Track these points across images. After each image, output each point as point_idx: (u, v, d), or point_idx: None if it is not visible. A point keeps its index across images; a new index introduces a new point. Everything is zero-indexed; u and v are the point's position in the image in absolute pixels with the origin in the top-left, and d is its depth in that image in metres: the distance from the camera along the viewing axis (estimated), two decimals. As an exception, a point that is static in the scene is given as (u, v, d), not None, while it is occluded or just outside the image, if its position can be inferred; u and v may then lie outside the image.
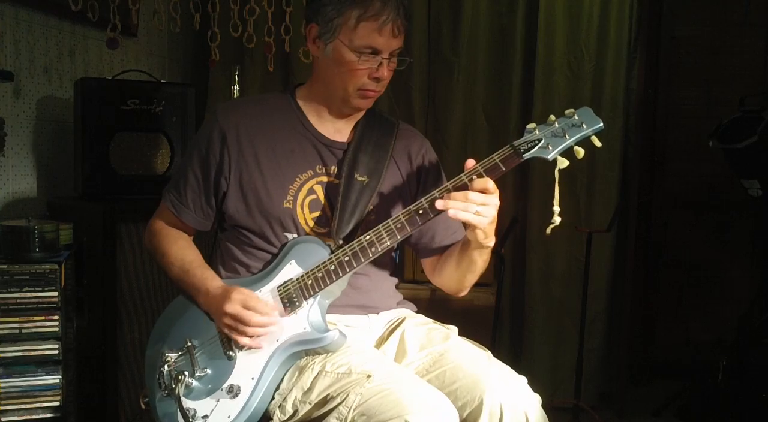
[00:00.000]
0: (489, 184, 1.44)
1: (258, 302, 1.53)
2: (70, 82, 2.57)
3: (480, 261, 1.62)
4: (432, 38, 3.25)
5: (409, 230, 1.52)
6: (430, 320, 1.77)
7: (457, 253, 1.67)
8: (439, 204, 1.44)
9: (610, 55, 3.10)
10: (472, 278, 1.68)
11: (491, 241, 1.54)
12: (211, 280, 1.62)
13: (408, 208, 1.52)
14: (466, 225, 1.50)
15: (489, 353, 1.62)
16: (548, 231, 1.50)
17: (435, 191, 1.50)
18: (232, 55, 3.17)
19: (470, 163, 1.48)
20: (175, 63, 3.35)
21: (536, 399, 1.54)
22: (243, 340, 1.54)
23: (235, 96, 2.75)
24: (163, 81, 2.61)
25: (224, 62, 2.99)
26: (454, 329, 1.72)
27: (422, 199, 1.51)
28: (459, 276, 1.69)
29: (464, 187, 1.46)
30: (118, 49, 2.67)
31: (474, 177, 1.46)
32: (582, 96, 3.12)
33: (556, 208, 1.48)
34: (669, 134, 3.60)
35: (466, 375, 1.53)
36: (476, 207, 1.42)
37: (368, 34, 1.55)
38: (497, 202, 1.45)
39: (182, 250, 1.71)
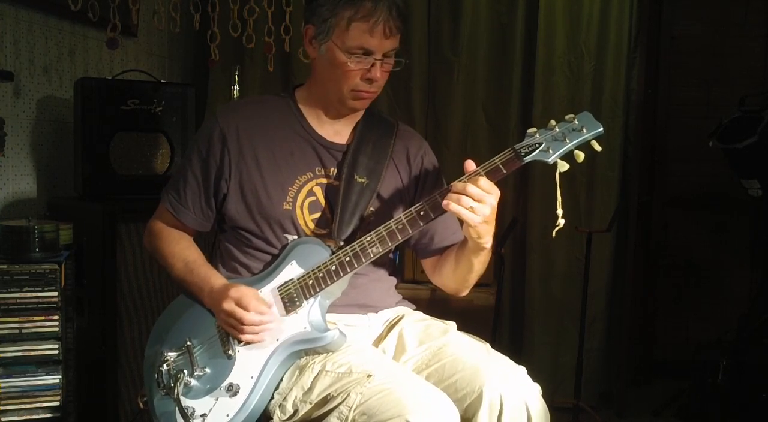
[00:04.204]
0: (489, 184, 1.45)
1: (252, 300, 1.53)
2: (70, 82, 2.57)
3: (477, 262, 1.62)
4: (432, 38, 3.25)
5: (410, 231, 1.52)
6: (428, 316, 1.77)
7: (455, 254, 1.68)
8: (444, 202, 1.45)
9: (610, 55, 3.10)
10: (472, 279, 1.69)
11: (487, 242, 1.54)
12: (214, 278, 1.63)
13: (409, 210, 1.52)
14: (462, 221, 1.50)
15: (488, 345, 1.62)
16: (554, 234, 1.51)
17: (436, 193, 1.51)
18: (232, 55, 3.17)
19: (469, 164, 1.48)
20: (175, 63, 3.36)
21: (536, 389, 1.54)
22: (242, 337, 1.54)
23: (235, 96, 2.75)
24: (163, 81, 2.61)
25: (224, 62, 2.99)
26: (452, 324, 1.72)
27: (423, 201, 1.52)
28: (458, 277, 1.70)
29: None
30: (118, 49, 2.67)
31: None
32: (582, 96, 3.13)
33: (560, 211, 1.49)
34: (669, 134, 3.60)
35: (466, 367, 1.53)
36: (471, 202, 1.43)
37: (360, 35, 1.55)
38: (493, 203, 1.45)
39: (185, 250, 1.71)
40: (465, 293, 1.75)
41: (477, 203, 1.43)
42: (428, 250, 1.77)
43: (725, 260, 3.57)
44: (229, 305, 1.53)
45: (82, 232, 2.29)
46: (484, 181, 1.44)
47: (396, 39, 1.60)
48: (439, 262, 1.76)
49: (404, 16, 1.60)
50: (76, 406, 2.18)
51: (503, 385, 1.48)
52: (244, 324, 1.52)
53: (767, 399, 2.79)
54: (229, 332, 1.57)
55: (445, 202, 1.45)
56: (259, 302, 1.54)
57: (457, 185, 1.46)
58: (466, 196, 1.43)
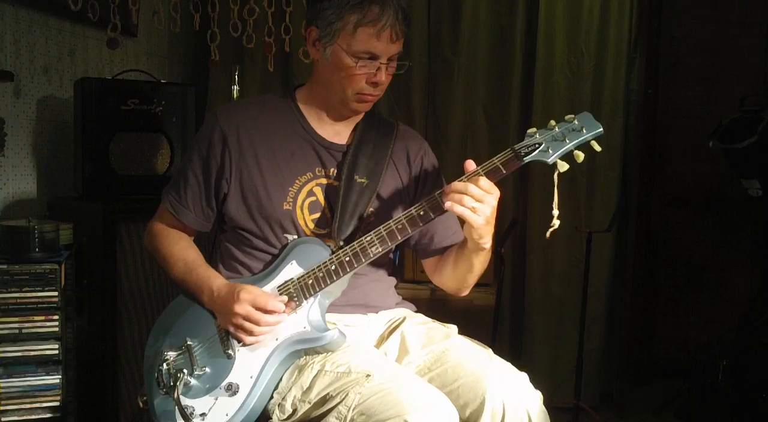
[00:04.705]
0: (489, 184, 1.45)
1: (267, 300, 1.53)
2: (70, 82, 2.58)
3: (477, 263, 1.63)
4: (432, 38, 3.25)
5: (409, 231, 1.52)
6: (430, 319, 1.77)
7: (455, 254, 1.68)
8: (447, 204, 1.45)
9: (610, 55, 3.10)
10: (472, 279, 1.69)
11: (487, 243, 1.55)
12: (214, 279, 1.63)
13: (409, 210, 1.53)
14: (462, 222, 1.50)
15: (490, 351, 1.62)
16: (548, 234, 1.51)
17: (436, 193, 1.51)
18: (232, 55, 3.17)
19: (469, 164, 1.49)
20: (175, 63, 3.36)
21: (538, 396, 1.54)
22: (249, 339, 1.54)
23: (235, 96, 2.75)
24: (163, 81, 2.62)
25: (224, 62, 2.99)
26: (453, 328, 1.72)
27: (423, 201, 1.52)
28: (458, 277, 1.70)
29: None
30: (118, 49, 2.68)
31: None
32: (582, 96, 3.13)
33: (555, 211, 1.49)
34: (669, 134, 3.60)
35: (468, 374, 1.53)
36: (473, 202, 1.43)
37: (366, 40, 1.56)
38: (494, 203, 1.46)
39: (184, 250, 1.71)
40: (465, 293, 1.75)
41: (478, 203, 1.44)
42: (428, 251, 1.77)
43: (725, 260, 3.56)
44: (243, 308, 1.52)
45: (82, 232, 2.29)
46: (484, 181, 1.45)
47: (401, 43, 1.61)
48: (440, 262, 1.76)
49: (408, 19, 1.61)
50: (76, 406, 2.18)
51: (505, 393, 1.48)
52: (261, 326, 1.52)
53: (767, 399, 2.79)
54: (236, 334, 1.56)
55: (447, 202, 1.45)
56: (275, 300, 1.54)
57: (457, 185, 1.46)
58: (467, 195, 1.44)
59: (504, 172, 1.47)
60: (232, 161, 1.65)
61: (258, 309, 1.52)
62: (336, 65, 1.61)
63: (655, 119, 3.53)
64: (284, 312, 1.55)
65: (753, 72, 3.46)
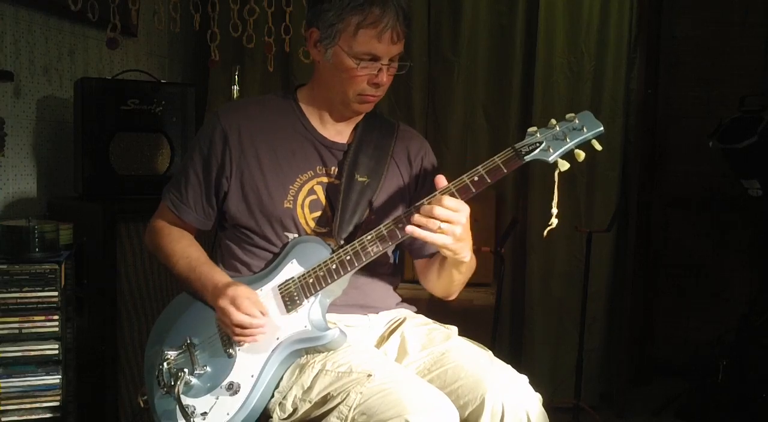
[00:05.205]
0: (456, 202, 1.45)
1: (244, 301, 1.53)
2: (70, 82, 2.58)
3: (458, 273, 1.64)
4: (432, 38, 3.25)
5: (410, 231, 1.52)
6: (431, 320, 1.77)
7: (437, 265, 1.69)
8: (408, 228, 1.45)
9: (610, 55, 3.10)
10: (456, 287, 1.71)
11: (465, 257, 1.55)
12: (218, 276, 1.63)
13: (410, 209, 1.53)
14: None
15: (490, 353, 1.62)
16: (545, 233, 1.52)
17: (438, 192, 1.51)
18: (232, 55, 3.17)
19: (440, 179, 1.50)
20: (175, 63, 3.36)
21: (537, 398, 1.54)
22: (232, 337, 1.55)
23: (235, 96, 2.75)
24: (163, 81, 2.61)
25: (224, 62, 2.99)
26: (454, 329, 1.72)
27: (424, 200, 1.52)
28: (442, 285, 1.72)
29: (467, 188, 1.46)
30: (118, 49, 2.68)
31: (468, 181, 1.47)
32: (582, 96, 3.13)
33: (554, 211, 1.49)
34: (669, 134, 3.60)
35: (468, 375, 1.53)
36: (439, 223, 1.43)
37: (367, 41, 1.56)
38: (464, 221, 1.46)
39: (187, 248, 1.71)
40: (453, 297, 1.77)
41: (446, 224, 1.44)
42: (422, 252, 1.78)
43: (725, 260, 3.56)
44: (223, 302, 1.54)
45: (82, 232, 2.29)
46: (449, 201, 1.44)
47: (402, 44, 1.61)
48: (427, 266, 1.76)
49: (409, 20, 1.61)
50: (76, 406, 2.18)
51: (505, 394, 1.48)
52: (234, 324, 1.53)
53: (767, 399, 2.79)
54: (224, 329, 1.57)
55: (409, 228, 1.45)
56: (251, 304, 1.54)
57: (423, 208, 1.45)
58: (433, 218, 1.44)
59: (505, 170, 1.47)
60: (233, 160, 1.65)
61: (234, 306, 1.53)
62: (337, 66, 1.61)
63: (655, 119, 3.53)
64: (260, 316, 1.54)
65: (753, 72, 3.46)
